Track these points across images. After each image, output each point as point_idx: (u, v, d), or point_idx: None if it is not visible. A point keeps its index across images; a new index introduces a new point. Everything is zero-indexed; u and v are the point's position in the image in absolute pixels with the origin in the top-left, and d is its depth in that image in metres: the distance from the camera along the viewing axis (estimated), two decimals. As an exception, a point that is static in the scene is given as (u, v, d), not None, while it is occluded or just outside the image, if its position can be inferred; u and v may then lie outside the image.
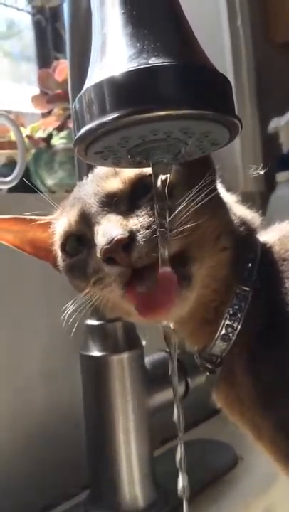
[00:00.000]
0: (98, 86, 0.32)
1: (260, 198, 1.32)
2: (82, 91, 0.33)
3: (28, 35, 1.54)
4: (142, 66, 0.30)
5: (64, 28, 1.50)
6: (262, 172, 0.51)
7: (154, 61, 0.31)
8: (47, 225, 0.55)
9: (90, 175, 0.53)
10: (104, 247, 0.42)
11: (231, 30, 1.29)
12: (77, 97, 0.34)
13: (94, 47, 0.35)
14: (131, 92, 0.31)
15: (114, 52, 0.32)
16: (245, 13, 1.33)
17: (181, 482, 0.51)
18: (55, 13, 1.51)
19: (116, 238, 0.42)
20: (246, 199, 0.58)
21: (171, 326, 0.51)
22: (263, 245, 0.54)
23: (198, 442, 0.90)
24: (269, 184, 1.33)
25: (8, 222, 0.55)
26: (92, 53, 0.35)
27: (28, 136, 1.07)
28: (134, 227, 0.43)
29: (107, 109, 0.32)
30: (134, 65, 0.31)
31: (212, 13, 1.29)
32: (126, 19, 0.33)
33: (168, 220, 0.40)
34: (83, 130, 0.33)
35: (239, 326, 0.51)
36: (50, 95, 1.07)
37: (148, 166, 0.38)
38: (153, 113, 0.31)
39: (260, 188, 1.31)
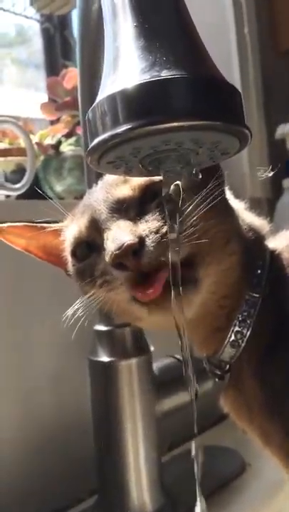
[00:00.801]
0: (111, 98, 0.33)
1: (267, 205, 1.32)
2: (95, 102, 0.34)
3: (37, 43, 1.56)
4: (155, 78, 0.31)
5: (72, 36, 1.52)
6: (270, 174, 0.52)
7: (166, 73, 0.31)
8: (58, 231, 0.56)
9: (99, 182, 0.53)
10: (115, 252, 0.43)
11: (238, 38, 1.30)
12: (91, 108, 0.34)
13: (106, 60, 0.36)
14: (143, 103, 0.32)
15: (127, 65, 0.33)
16: (252, 20, 1.34)
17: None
18: (64, 21, 1.53)
19: (126, 244, 0.43)
20: (253, 205, 0.59)
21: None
22: (272, 252, 0.54)
23: (205, 448, 0.89)
24: (275, 190, 1.33)
25: (20, 228, 0.56)
26: (105, 66, 0.35)
27: (37, 143, 1.08)
28: (143, 233, 0.44)
29: (120, 120, 0.32)
30: (146, 78, 0.31)
31: (219, 21, 1.30)
32: (138, 32, 0.34)
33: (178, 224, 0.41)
34: (96, 141, 0.34)
35: (248, 333, 0.51)
36: (59, 103, 1.09)
37: (158, 175, 0.38)
38: (165, 124, 0.31)
39: (266, 195, 1.31)
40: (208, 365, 0.55)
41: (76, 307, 0.49)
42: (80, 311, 0.49)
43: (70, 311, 0.50)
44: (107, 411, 0.71)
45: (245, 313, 0.51)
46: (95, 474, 0.73)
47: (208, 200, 0.45)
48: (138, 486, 0.70)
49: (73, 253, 0.52)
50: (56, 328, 0.83)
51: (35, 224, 0.56)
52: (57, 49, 1.52)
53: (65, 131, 1.08)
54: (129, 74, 0.33)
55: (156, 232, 0.44)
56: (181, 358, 0.78)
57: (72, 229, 0.52)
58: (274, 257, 0.54)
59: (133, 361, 0.70)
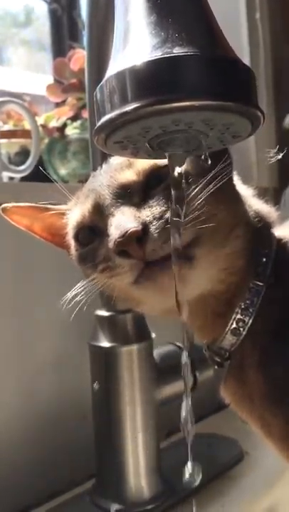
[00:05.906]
0: (120, 75, 0.32)
1: (274, 194, 1.31)
2: (104, 80, 0.33)
3: (44, 24, 1.54)
4: (167, 55, 0.30)
5: (80, 17, 1.49)
6: (279, 157, 0.50)
7: (178, 50, 0.30)
8: (62, 213, 0.55)
9: (104, 165, 0.52)
10: (118, 239, 0.42)
11: (249, 24, 1.27)
12: (99, 85, 0.33)
13: (116, 35, 0.34)
14: (154, 81, 0.31)
15: (138, 41, 0.32)
16: (264, 7, 1.32)
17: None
18: (72, 2, 1.50)
19: (130, 231, 0.42)
20: (260, 194, 0.58)
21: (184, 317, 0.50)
22: (279, 240, 0.53)
23: (203, 436, 0.90)
24: (283, 180, 1.32)
25: (25, 209, 0.56)
26: (115, 42, 0.34)
27: (42, 126, 1.07)
28: (147, 219, 0.43)
29: (129, 98, 0.31)
30: (158, 54, 0.30)
31: (231, 5, 1.28)
32: (150, 7, 0.32)
33: (183, 210, 0.40)
34: (104, 119, 0.33)
35: (250, 321, 0.50)
36: (65, 85, 1.07)
37: (166, 157, 0.37)
38: (176, 103, 0.30)
39: (273, 184, 1.30)
40: (208, 352, 0.55)
41: (76, 291, 0.49)
42: (80, 295, 0.49)
43: (69, 294, 0.49)
44: (106, 396, 0.71)
45: (248, 302, 0.51)
46: (93, 458, 0.73)
47: (214, 182, 0.44)
48: (136, 472, 0.70)
49: (76, 237, 0.51)
50: (57, 313, 0.82)
51: (39, 205, 0.56)
52: (64, 30, 1.50)
53: (71, 113, 1.07)
54: (139, 50, 0.31)
55: (160, 218, 0.43)
56: (181, 346, 0.77)
57: (75, 213, 0.51)
58: (281, 245, 0.53)
59: (134, 347, 0.70)
